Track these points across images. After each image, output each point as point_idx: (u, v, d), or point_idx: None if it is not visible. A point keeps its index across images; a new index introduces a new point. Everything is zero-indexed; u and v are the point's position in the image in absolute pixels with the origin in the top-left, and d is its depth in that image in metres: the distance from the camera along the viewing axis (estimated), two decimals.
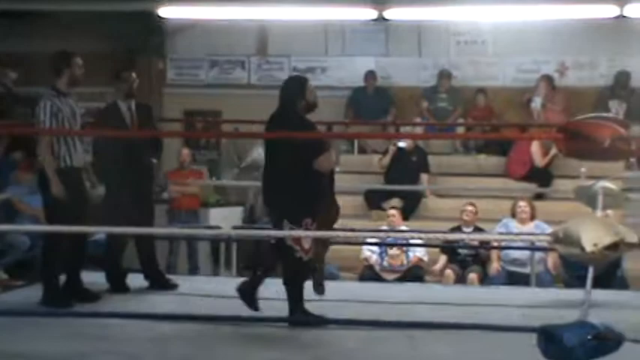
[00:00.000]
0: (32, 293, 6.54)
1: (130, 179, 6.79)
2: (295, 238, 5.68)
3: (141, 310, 6.33)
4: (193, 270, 10.34)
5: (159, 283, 7.09)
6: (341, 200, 10.85)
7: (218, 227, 9.61)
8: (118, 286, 6.95)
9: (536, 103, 11.41)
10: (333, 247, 9.68)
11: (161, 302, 6.65)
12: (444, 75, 11.96)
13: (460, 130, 11.57)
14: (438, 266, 9.38)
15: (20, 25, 11.85)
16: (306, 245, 5.73)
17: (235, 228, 9.92)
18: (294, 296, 5.80)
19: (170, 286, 7.09)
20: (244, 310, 5.94)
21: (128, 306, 6.50)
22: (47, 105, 6.28)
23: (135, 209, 6.71)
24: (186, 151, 11.24)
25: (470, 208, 9.46)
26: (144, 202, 6.94)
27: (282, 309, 5.83)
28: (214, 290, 7.03)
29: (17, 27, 11.87)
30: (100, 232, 7.11)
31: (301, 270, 5.79)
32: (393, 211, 9.64)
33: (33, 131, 6.61)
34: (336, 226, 9.56)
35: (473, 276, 9.10)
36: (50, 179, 6.28)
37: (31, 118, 6.71)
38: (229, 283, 7.35)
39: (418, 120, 11.63)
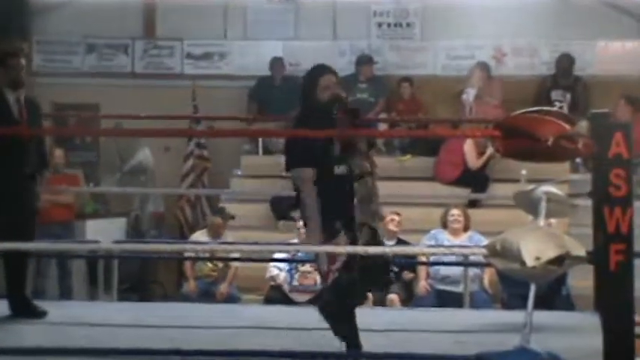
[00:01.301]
0: None
1: (8, 189, 6.64)
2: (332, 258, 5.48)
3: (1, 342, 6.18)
4: (65, 293, 10.17)
5: (24, 310, 6.92)
6: (245, 209, 11.04)
7: (96, 241, 9.45)
8: (25, 315, 6.77)
9: (469, 94, 11.56)
10: (231, 265, 9.73)
11: (27, 333, 6.51)
12: (364, 61, 12.02)
13: (382, 126, 11.63)
14: None
15: None
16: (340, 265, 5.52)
17: (117, 242, 9.78)
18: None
19: (38, 314, 6.93)
20: (127, 341, 5.85)
21: None
22: None
23: (12, 223, 6.57)
24: (59, 152, 11.03)
25: (393, 217, 9.52)
26: (24, 219, 6.79)
27: None
28: (92, 317, 6.91)
29: None
30: None
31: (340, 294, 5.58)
32: (301, 223, 9.62)
33: None
34: (234, 239, 9.67)
35: (393, 297, 9.14)
36: None
37: None
38: (109, 309, 7.27)
39: None
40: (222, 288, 9.57)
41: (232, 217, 10.26)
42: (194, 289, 9.60)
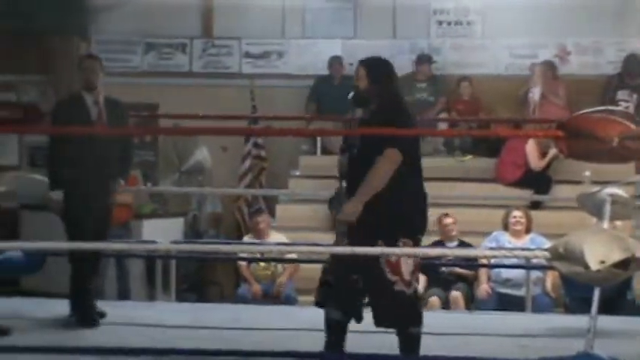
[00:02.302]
0: None
1: (93, 191, 6.73)
2: (393, 266, 5.29)
3: (61, 342, 6.26)
4: (123, 294, 10.25)
5: (84, 314, 6.94)
6: (303, 209, 11.05)
7: (154, 242, 9.53)
8: (85, 318, 6.85)
9: (534, 94, 11.47)
10: (289, 266, 9.75)
11: (86, 333, 6.59)
12: (424, 60, 11.99)
13: (442, 126, 11.59)
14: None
15: None
16: (407, 275, 5.31)
17: (175, 243, 9.85)
18: (409, 346, 5.46)
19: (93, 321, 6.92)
20: (185, 342, 5.90)
21: (45, 338, 6.44)
22: None
23: (96, 227, 6.66)
24: None
25: (447, 220, 9.49)
26: (102, 221, 6.88)
27: None
28: (150, 318, 6.97)
29: None
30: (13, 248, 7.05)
31: (407, 309, 5.35)
32: None
33: None
34: (295, 240, 9.68)
35: (456, 295, 9.11)
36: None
37: None
38: (167, 309, 7.33)
39: None
40: (279, 285, 9.56)
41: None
42: (258, 292, 9.60)
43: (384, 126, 5.39)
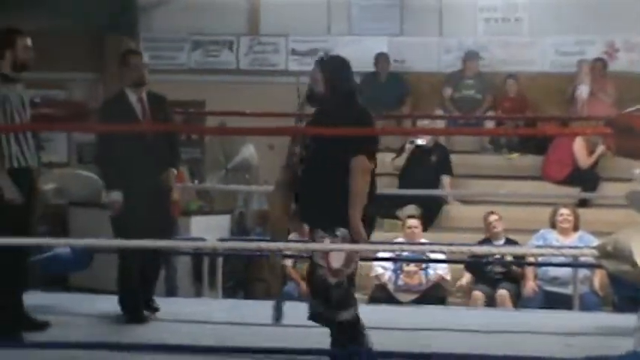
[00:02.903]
0: None
1: (145, 187, 6.75)
2: (324, 253, 5.32)
3: (108, 338, 6.31)
4: (171, 290, 10.31)
5: (135, 312, 6.95)
6: None
7: (201, 239, 9.57)
8: (133, 314, 6.89)
9: (581, 91, 11.38)
10: None
11: (135, 329, 6.63)
12: (472, 57, 11.92)
13: (489, 124, 11.53)
14: (462, 283, 9.39)
15: None
16: (335, 263, 5.30)
17: (222, 240, 9.88)
18: (332, 329, 5.44)
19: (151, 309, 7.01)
20: (231, 339, 5.92)
21: (92, 333, 6.49)
22: None
23: (151, 224, 6.65)
24: None
25: (493, 218, 9.44)
26: (160, 216, 6.88)
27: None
28: (197, 314, 7.00)
29: None
30: (61, 245, 7.12)
31: (328, 295, 5.32)
32: (412, 221, 9.60)
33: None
34: None
35: (503, 293, 9.07)
36: (2, 183, 6.25)
37: None
38: (214, 306, 7.36)
39: (440, 111, 11.58)
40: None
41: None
42: (305, 292, 9.60)
43: (338, 126, 5.38)
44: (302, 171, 5.48)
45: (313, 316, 5.44)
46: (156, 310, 7.03)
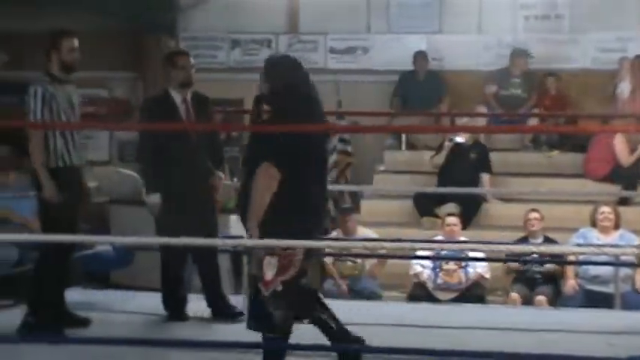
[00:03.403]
0: (20, 315, 6.57)
1: (188, 187, 6.76)
2: (259, 264, 5.19)
3: (148, 335, 6.35)
4: None
5: (221, 310, 6.99)
6: (387, 205, 11.04)
7: (240, 237, 9.59)
8: (175, 313, 6.91)
9: (622, 89, 11.28)
10: (373, 262, 9.74)
11: (171, 327, 6.67)
12: (519, 54, 11.82)
13: (531, 122, 11.45)
14: (502, 283, 9.37)
15: (13, 2, 11.97)
16: (268, 275, 5.14)
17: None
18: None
19: (235, 315, 6.92)
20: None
21: (133, 330, 6.53)
22: (38, 92, 6.31)
23: (195, 223, 6.67)
24: None
25: (534, 215, 9.39)
26: (205, 215, 6.90)
27: None
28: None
29: (8, 2, 11.98)
30: (104, 242, 7.17)
31: (258, 309, 5.21)
32: (452, 219, 9.58)
33: (40, 125, 6.47)
34: (379, 235, 9.67)
35: (541, 298, 9.03)
36: (42, 181, 6.32)
37: (22, 108, 6.73)
38: None
39: (484, 109, 11.50)
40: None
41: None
42: (344, 288, 9.62)
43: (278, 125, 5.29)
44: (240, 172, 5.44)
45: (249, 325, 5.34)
46: (239, 314, 6.85)
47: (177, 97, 6.87)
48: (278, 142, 5.19)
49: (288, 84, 5.42)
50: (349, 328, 5.74)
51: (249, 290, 5.35)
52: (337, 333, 5.54)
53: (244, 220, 5.26)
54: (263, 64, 5.54)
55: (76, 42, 6.43)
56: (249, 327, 5.27)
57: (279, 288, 5.15)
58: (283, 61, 5.64)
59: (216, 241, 6.91)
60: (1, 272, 9.38)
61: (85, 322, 6.54)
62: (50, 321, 6.30)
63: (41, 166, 6.31)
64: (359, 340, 5.53)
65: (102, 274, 10.04)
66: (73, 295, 6.78)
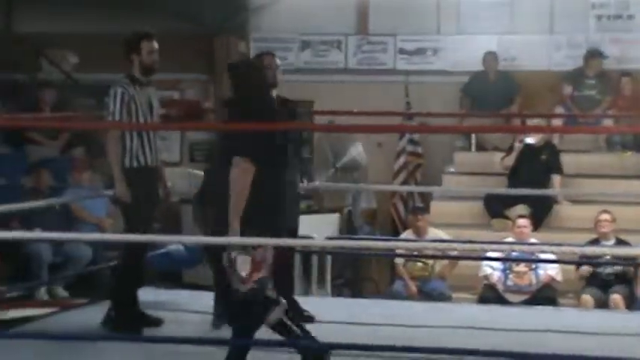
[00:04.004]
0: (95, 313, 6.67)
1: (277, 186, 6.78)
2: (231, 262, 5.25)
3: (217, 334, 6.40)
4: None
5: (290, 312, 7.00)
6: (457, 206, 11.00)
7: (309, 237, 9.64)
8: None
9: None
10: (443, 263, 9.73)
11: None
12: (594, 55, 11.66)
13: (605, 123, 11.31)
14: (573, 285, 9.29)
15: (85, 4, 12.16)
16: (243, 272, 5.24)
17: (330, 238, 9.94)
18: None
19: (305, 318, 6.83)
20: (341, 336, 5.94)
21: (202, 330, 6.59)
22: (118, 93, 6.39)
23: (282, 223, 6.70)
24: None
25: (605, 217, 9.29)
26: (291, 217, 6.91)
27: None
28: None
29: (82, 5, 12.18)
30: (174, 242, 7.24)
31: (241, 306, 5.29)
32: (522, 221, 9.52)
33: (112, 125, 6.54)
34: (450, 237, 9.65)
35: (616, 298, 8.93)
36: (116, 181, 6.41)
37: (97, 110, 6.84)
38: (323, 304, 7.41)
39: (561, 110, 11.39)
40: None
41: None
42: (413, 289, 9.62)
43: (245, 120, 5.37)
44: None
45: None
46: (310, 319, 6.83)
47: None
48: (249, 138, 5.31)
49: (255, 86, 5.56)
50: (421, 330, 5.77)
51: (216, 288, 5.37)
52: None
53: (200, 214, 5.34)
54: (230, 67, 5.63)
55: (155, 44, 6.51)
56: (224, 323, 5.46)
57: (255, 285, 5.25)
58: (248, 66, 5.78)
59: (287, 242, 6.90)
60: (75, 271, 9.55)
61: (157, 322, 6.62)
62: (128, 319, 6.38)
63: (116, 166, 6.40)
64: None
65: (173, 273, 10.15)
66: (146, 295, 6.85)
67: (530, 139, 10.85)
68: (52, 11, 12.16)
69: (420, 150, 11.96)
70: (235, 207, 5.23)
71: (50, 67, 12.13)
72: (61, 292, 9.55)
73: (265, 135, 5.38)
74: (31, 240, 9.11)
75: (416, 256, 9.58)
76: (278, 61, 6.99)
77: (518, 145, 10.92)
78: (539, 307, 8.39)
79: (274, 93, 6.92)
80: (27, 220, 9.26)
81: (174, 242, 7.83)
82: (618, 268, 9.12)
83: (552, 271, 9.18)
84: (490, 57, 11.99)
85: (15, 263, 9.40)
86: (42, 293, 9.50)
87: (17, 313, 8.67)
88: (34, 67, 12.16)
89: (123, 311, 6.42)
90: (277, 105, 6.88)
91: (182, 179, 10.13)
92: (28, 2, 12.30)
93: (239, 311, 5.32)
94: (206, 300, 7.40)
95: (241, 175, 5.24)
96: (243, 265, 5.22)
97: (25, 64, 11.91)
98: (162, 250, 7.76)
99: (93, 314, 6.73)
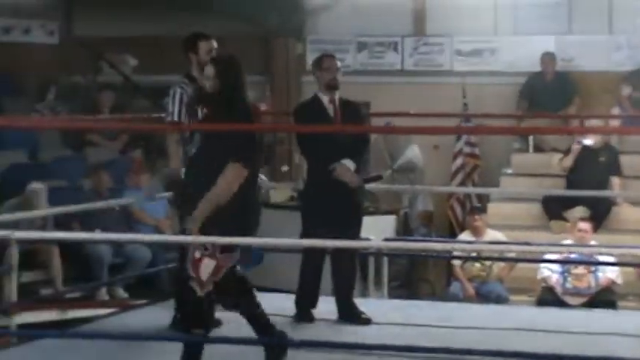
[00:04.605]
0: (155, 314, 6.71)
1: (336, 186, 6.79)
2: (195, 262, 5.22)
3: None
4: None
5: (348, 314, 6.95)
6: (515, 208, 10.92)
7: (367, 239, 9.63)
8: (304, 314, 6.94)
9: None
10: (501, 265, 9.66)
11: (300, 328, 6.72)
12: None
13: None
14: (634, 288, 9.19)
15: (145, 7, 12.27)
16: (204, 275, 5.21)
17: (387, 240, 9.92)
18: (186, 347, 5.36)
19: (362, 321, 6.87)
20: (397, 338, 5.92)
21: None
22: (177, 94, 6.42)
23: (338, 225, 6.70)
24: None
25: None
26: (349, 218, 6.92)
27: None
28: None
29: (142, 8, 12.29)
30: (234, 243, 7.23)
31: (193, 309, 5.31)
32: (583, 224, 9.43)
33: (169, 128, 6.57)
34: (508, 238, 9.58)
35: None
36: (174, 181, 6.44)
37: (155, 111, 6.88)
38: (380, 305, 7.39)
39: (617, 111, 11.26)
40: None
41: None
42: (470, 291, 9.58)
43: (224, 120, 5.26)
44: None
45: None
46: (367, 321, 6.85)
47: (324, 99, 6.91)
48: (239, 141, 5.26)
49: (240, 86, 5.49)
50: (478, 332, 5.72)
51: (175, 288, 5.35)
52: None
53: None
54: (213, 63, 5.54)
55: (213, 44, 6.55)
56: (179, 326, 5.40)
57: (211, 288, 5.24)
58: (235, 63, 5.61)
59: (351, 244, 6.89)
60: (134, 272, 9.63)
61: (216, 323, 6.64)
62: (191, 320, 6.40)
63: (177, 166, 6.43)
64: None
65: None
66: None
67: (587, 141, 10.74)
68: (112, 15, 12.28)
69: (477, 151, 11.90)
70: (210, 206, 5.18)
71: (110, 70, 12.26)
72: (121, 293, 9.65)
73: (251, 137, 5.36)
74: (92, 241, 9.20)
75: (473, 257, 9.52)
76: (338, 64, 6.98)
77: (576, 147, 10.82)
78: (599, 310, 8.30)
79: (336, 95, 6.93)
80: (87, 222, 9.36)
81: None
82: None
83: (612, 273, 9.09)
84: (548, 57, 11.90)
85: (76, 264, 9.50)
86: (102, 294, 9.61)
87: (78, 313, 8.79)
88: (94, 70, 12.29)
89: (187, 312, 6.44)
90: (340, 107, 6.89)
91: None
92: (89, 6, 12.44)
93: (192, 313, 5.32)
94: (264, 301, 7.41)
95: (235, 178, 5.21)
96: (206, 269, 5.20)
97: (85, 67, 12.05)
98: None
99: (152, 315, 6.77)
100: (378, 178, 7.20)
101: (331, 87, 6.88)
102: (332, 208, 6.72)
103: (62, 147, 11.44)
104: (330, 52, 12.60)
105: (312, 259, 6.86)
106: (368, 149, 7.42)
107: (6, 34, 12.41)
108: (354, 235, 6.90)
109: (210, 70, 5.45)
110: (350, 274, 7.00)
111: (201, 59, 6.49)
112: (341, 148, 6.76)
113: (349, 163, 6.80)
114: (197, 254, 5.18)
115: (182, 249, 6.18)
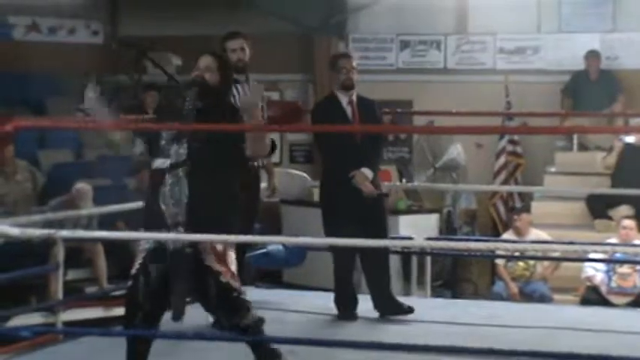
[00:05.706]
0: (196, 313, 6.72)
1: (353, 188, 6.81)
2: (221, 256, 5.13)
3: (317, 334, 6.40)
4: None
5: (389, 307, 7.01)
6: (558, 207, 10.83)
7: (409, 238, 9.60)
8: (345, 312, 6.96)
9: None
10: (545, 264, 9.59)
11: (340, 326, 6.71)
12: None
13: None
14: None
15: (189, 6, 12.32)
16: (233, 266, 5.18)
17: (430, 239, 9.88)
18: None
19: (405, 310, 6.95)
20: (440, 337, 5.89)
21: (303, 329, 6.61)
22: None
23: (362, 224, 6.74)
24: None
25: None
26: (373, 216, 6.94)
27: None
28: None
29: (185, 8, 12.34)
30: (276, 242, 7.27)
31: (235, 302, 5.19)
32: (628, 222, 9.35)
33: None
34: (551, 237, 9.51)
35: None
36: None
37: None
38: (423, 305, 7.37)
39: None
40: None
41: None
42: (515, 291, 9.52)
43: (225, 119, 5.20)
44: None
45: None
46: (408, 310, 6.92)
47: (342, 99, 6.93)
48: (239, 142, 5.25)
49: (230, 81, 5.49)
50: (522, 331, 5.67)
51: (209, 289, 5.23)
52: None
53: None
54: (214, 57, 5.39)
55: (236, 43, 6.60)
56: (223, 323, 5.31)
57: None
58: (227, 58, 5.69)
59: (385, 242, 6.89)
60: None
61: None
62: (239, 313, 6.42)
63: None
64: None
65: (273, 272, 10.21)
66: (246, 294, 6.89)
67: (630, 139, 10.64)
68: (157, 14, 12.35)
69: (520, 150, 11.82)
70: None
71: (154, 70, 12.31)
72: None
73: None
74: (136, 240, 9.23)
75: (517, 257, 9.46)
76: (354, 63, 7.00)
77: (619, 145, 10.73)
78: None
79: (354, 95, 6.92)
80: (132, 221, 9.40)
81: (275, 242, 7.87)
82: None
83: None
84: (592, 56, 11.80)
85: (120, 263, 9.54)
86: None
87: (122, 312, 8.80)
88: (138, 69, 12.35)
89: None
90: (358, 107, 6.88)
91: (282, 180, 10.18)
92: (133, 6, 12.52)
93: (236, 306, 5.22)
94: (307, 299, 7.45)
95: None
96: (232, 260, 5.19)
97: (130, 66, 12.10)
98: (262, 250, 7.80)
99: (193, 313, 6.79)
100: (384, 196, 7.21)
101: (346, 87, 6.90)
102: (352, 206, 6.73)
103: (106, 146, 11.50)
104: (373, 50, 12.79)
105: (341, 257, 6.86)
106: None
107: (51, 34, 12.52)
108: (380, 229, 6.88)
109: (211, 61, 5.32)
110: (382, 268, 7.00)
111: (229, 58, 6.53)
112: (358, 148, 6.77)
113: (367, 172, 6.83)
114: (219, 247, 5.16)
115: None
